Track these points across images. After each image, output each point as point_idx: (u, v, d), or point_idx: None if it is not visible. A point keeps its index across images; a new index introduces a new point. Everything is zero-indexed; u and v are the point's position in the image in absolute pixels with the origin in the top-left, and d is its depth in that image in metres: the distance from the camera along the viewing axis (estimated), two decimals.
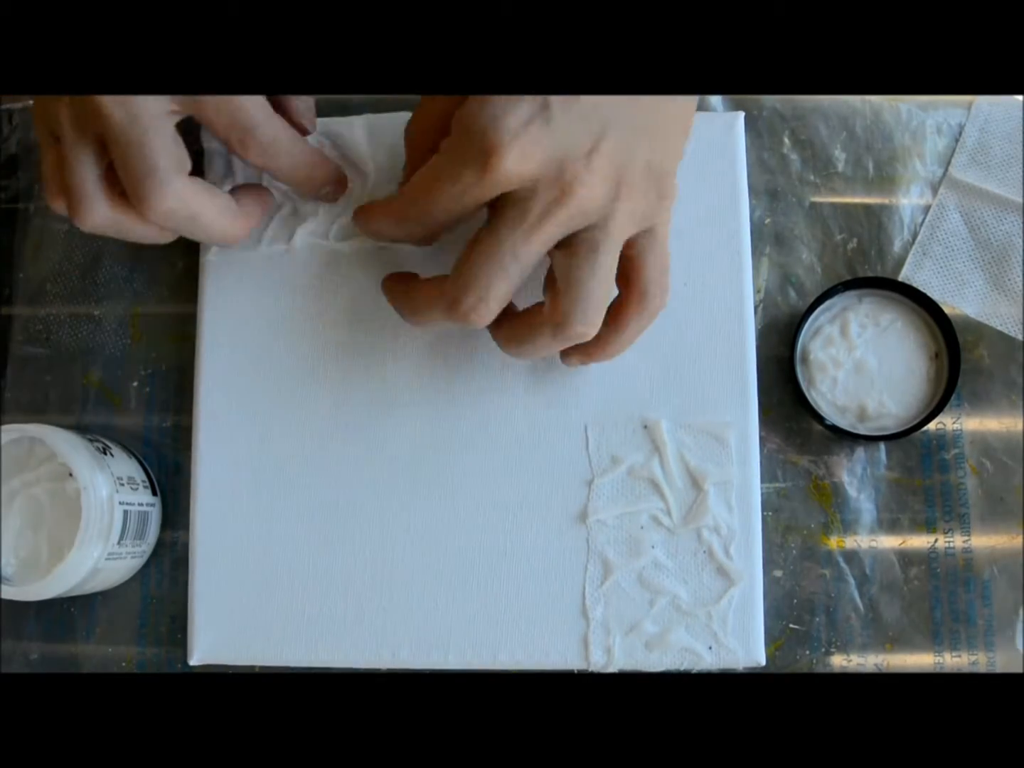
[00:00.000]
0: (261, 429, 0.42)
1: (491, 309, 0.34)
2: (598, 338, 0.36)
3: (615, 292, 0.37)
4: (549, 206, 0.32)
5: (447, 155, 0.33)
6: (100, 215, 0.36)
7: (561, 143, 0.32)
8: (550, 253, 0.35)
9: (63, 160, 0.35)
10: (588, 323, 0.35)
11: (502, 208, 0.33)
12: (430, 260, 0.43)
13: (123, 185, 0.35)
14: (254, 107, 0.36)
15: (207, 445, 0.42)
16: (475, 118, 0.32)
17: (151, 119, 0.34)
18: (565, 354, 0.39)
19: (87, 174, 0.35)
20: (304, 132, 0.40)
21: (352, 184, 0.43)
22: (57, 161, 0.36)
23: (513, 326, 0.37)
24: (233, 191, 0.40)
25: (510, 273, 0.34)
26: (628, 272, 0.36)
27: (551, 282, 0.35)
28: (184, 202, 0.35)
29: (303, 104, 0.41)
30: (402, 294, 0.39)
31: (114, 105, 0.33)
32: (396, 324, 0.42)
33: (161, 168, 0.34)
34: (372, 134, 0.43)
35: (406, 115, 0.38)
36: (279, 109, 0.39)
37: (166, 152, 0.35)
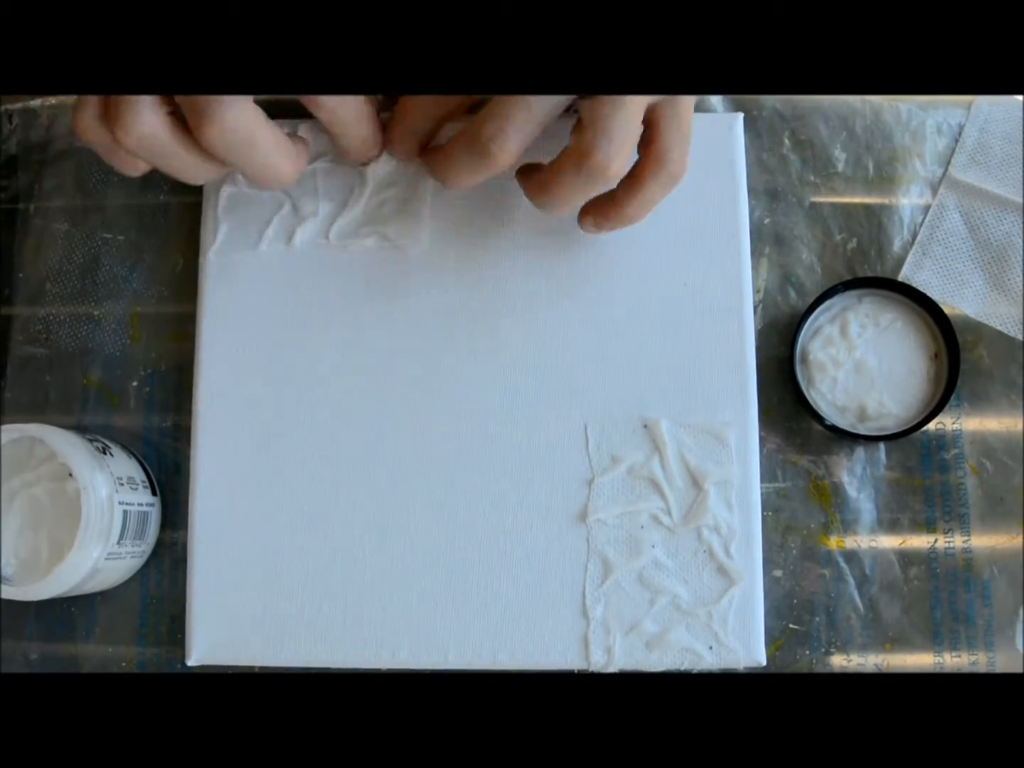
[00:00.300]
0: (260, 429, 0.42)
1: (511, 139, 0.35)
2: (614, 197, 0.37)
3: (639, 131, 0.36)
4: None
5: None
6: (148, 123, 0.33)
7: None
8: (577, 102, 0.35)
9: None
10: (610, 154, 0.34)
11: None
12: (431, 261, 0.43)
13: (182, 103, 0.33)
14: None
15: (206, 445, 0.42)
16: None
17: None
18: (583, 213, 0.39)
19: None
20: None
21: (353, 186, 0.43)
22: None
23: (540, 173, 0.37)
24: None
25: (531, 104, 0.34)
26: (650, 136, 0.37)
27: (577, 126, 0.35)
28: (246, 124, 0.33)
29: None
30: (432, 153, 0.39)
31: None
32: (396, 324, 0.42)
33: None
34: None
35: None
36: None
37: None
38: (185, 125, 0.34)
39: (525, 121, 0.34)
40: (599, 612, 0.40)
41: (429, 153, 0.40)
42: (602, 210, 0.38)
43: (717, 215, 0.43)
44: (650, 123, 0.36)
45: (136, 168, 0.37)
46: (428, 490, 0.41)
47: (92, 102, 0.34)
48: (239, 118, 0.33)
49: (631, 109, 0.35)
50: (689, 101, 0.37)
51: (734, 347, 0.42)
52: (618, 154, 0.35)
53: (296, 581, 0.41)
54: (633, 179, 0.37)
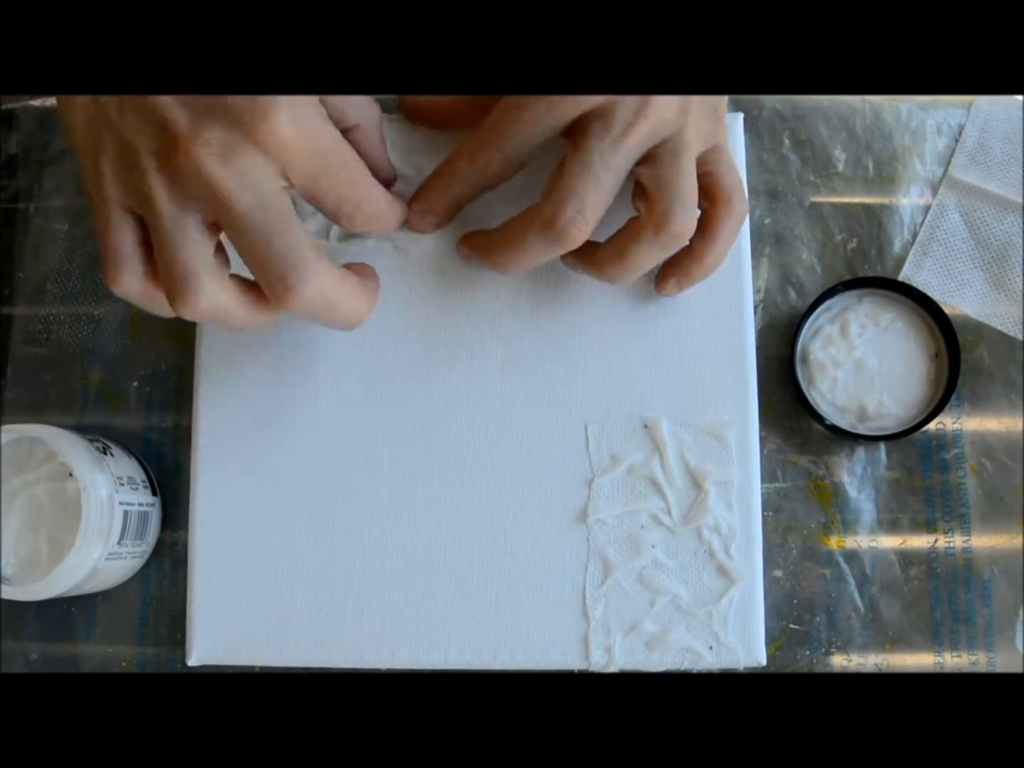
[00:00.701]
0: (261, 429, 0.42)
1: (588, 222, 0.35)
2: (693, 252, 0.38)
3: (697, 186, 0.37)
4: (632, 117, 0.34)
5: None
6: (211, 295, 0.32)
7: None
8: (635, 171, 0.36)
9: (159, 235, 0.31)
10: (686, 219, 0.36)
11: (586, 126, 0.35)
12: (432, 261, 0.43)
13: (255, 274, 0.32)
14: (367, 183, 0.35)
15: (207, 445, 0.42)
16: None
17: (273, 196, 0.31)
18: (663, 277, 0.40)
19: (195, 251, 0.31)
20: (389, 184, 0.40)
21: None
22: (140, 237, 0.32)
23: (612, 243, 0.37)
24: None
25: (602, 183, 0.35)
26: (707, 186, 0.38)
27: (641, 195, 0.37)
28: (325, 292, 0.32)
29: (384, 156, 0.40)
30: (487, 238, 0.39)
31: (232, 180, 0.30)
32: (397, 323, 0.42)
33: (304, 251, 0.31)
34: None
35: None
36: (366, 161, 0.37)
37: (303, 234, 0.32)
38: (251, 287, 0.33)
39: (598, 199, 0.35)
40: (599, 612, 0.40)
41: (479, 237, 0.40)
42: (683, 268, 0.39)
43: None
44: (703, 174, 0.37)
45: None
46: (428, 490, 0.41)
47: (133, 262, 0.32)
48: (320, 288, 0.32)
49: (689, 167, 0.36)
50: (727, 145, 0.38)
51: (735, 347, 0.42)
52: (692, 215, 0.36)
53: (296, 581, 0.41)
54: (706, 230, 0.38)
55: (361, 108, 0.37)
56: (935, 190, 0.45)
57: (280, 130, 0.30)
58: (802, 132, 0.46)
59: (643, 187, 0.36)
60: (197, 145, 0.30)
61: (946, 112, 0.46)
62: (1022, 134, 0.45)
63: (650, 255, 0.37)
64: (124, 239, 0.32)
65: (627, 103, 0.34)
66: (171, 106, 0.30)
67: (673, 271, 0.40)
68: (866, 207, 0.45)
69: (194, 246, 0.31)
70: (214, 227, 0.32)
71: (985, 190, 0.45)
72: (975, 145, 0.45)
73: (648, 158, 0.36)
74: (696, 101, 0.36)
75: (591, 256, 0.38)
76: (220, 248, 0.33)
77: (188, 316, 0.32)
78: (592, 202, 0.35)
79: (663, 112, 0.35)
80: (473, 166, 0.37)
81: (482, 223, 0.41)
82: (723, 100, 0.38)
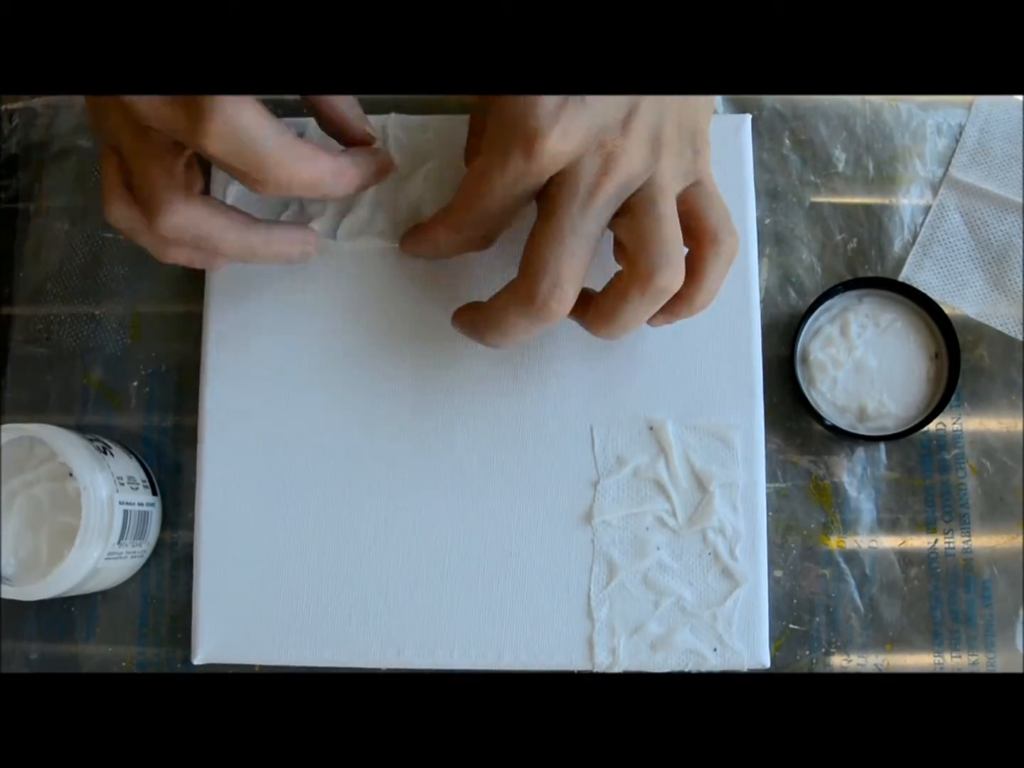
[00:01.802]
0: (267, 428, 0.42)
1: (566, 292, 0.34)
2: (681, 296, 0.36)
3: (680, 230, 0.35)
4: (598, 177, 0.33)
5: (491, 150, 0.34)
6: (181, 215, 0.35)
7: (597, 117, 0.33)
8: (612, 227, 0.35)
9: (128, 164, 0.35)
10: (672, 269, 0.34)
11: (553, 192, 0.34)
12: (439, 261, 0.43)
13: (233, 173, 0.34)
14: (263, 137, 0.33)
15: (212, 444, 0.42)
16: (511, 108, 0.33)
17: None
18: (651, 319, 0.38)
19: (159, 173, 0.35)
20: (366, 141, 0.39)
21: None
22: (122, 169, 0.36)
23: (598, 304, 0.36)
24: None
25: (575, 251, 0.34)
26: (691, 225, 0.36)
27: (622, 251, 0.35)
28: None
29: (348, 107, 0.39)
30: (472, 317, 0.38)
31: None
32: (402, 324, 0.42)
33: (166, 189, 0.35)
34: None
35: (417, 118, 0.40)
36: (323, 119, 0.39)
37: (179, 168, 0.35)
38: (223, 208, 0.36)
39: (573, 269, 0.34)
40: (604, 613, 0.40)
41: (468, 313, 0.38)
42: (672, 310, 0.37)
43: None
44: (685, 213, 0.36)
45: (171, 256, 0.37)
46: (434, 490, 0.41)
47: (118, 192, 0.36)
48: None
49: (669, 214, 0.34)
50: (711, 180, 0.37)
51: (740, 349, 0.42)
52: (679, 265, 0.34)
53: (301, 580, 0.41)
54: (694, 272, 0.36)
55: None
56: (935, 190, 0.45)
57: (216, 119, 0.32)
58: (802, 132, 0.46)
59: (622, 243, 0.35)
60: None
61: (946, 112, 0.46)
62: (1022, 134, 0.45)
63: (639, 312, 0.35)
64: (111, 173, 0.36)
65: (590, 162, 0.33)
66: None
67: (660, 313, 0.37)
68: (866, 207, 0.45)
69: (157, 169, 0.34)
70: (177, 148, 0.35)
71: (985, 190, 0.45)
72: (975, 145, 0.45)
73: (624, 210, 0.34)
74: (669, 138, 0.35)
75: (581, 316, 0.37)
76: (191, 168, 0.36)
77: (168, 234, 0.35)
78: (566, 273, 0.34)
79: (628, 165, 0.33)
80: (457, 236, 0.37)
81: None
82: (702, 134, 0.37)
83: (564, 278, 0.34)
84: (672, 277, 0.34)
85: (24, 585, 0.38)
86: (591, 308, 0.36)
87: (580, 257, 0.34)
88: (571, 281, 0.34)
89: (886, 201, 0.45)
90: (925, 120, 0.46)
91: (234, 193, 0.43)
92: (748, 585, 0.40)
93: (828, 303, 0.43)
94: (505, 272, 0.42)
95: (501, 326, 0.36)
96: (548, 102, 0.33)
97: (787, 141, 0.46)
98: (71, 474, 0.38)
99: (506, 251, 0.43)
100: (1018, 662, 0.41)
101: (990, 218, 0.45)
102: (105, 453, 0.40)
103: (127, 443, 0.43)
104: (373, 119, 0.44)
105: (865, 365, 0.42)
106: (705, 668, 0.40)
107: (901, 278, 0.44)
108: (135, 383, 0.44)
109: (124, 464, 0.41)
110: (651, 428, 0.41)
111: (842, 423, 0.42)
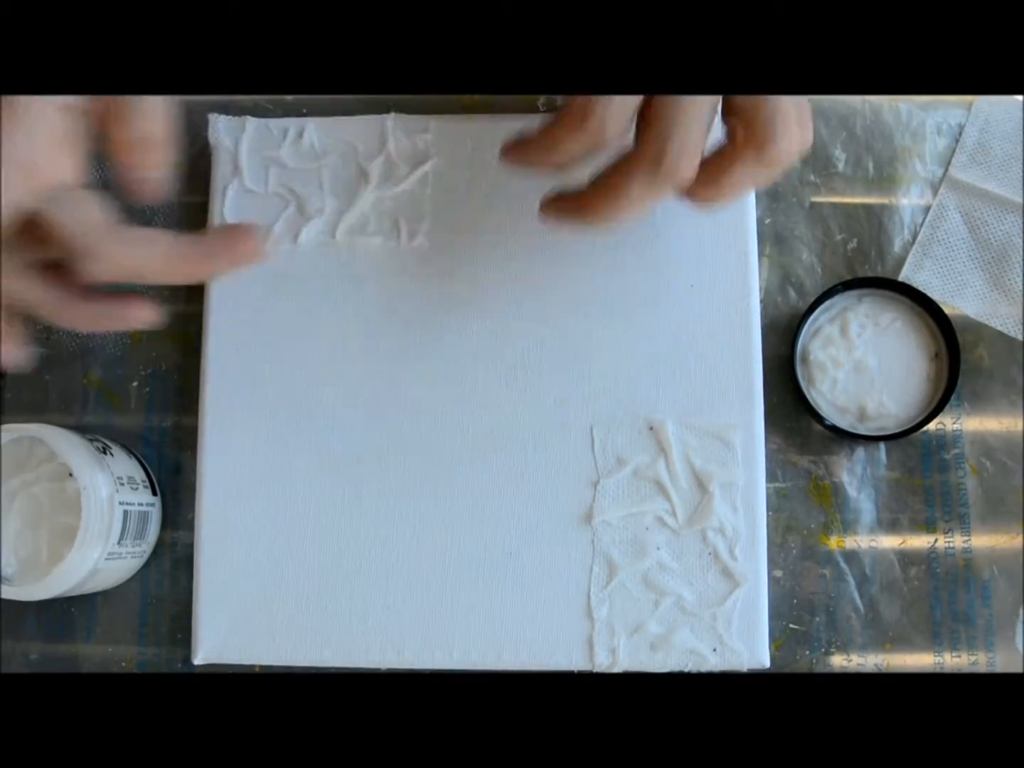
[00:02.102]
0: (267, 429, 0.42)
1: (693, 156, 0.33)
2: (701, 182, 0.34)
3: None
4: None
5: None
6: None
7: None
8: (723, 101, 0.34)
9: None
10: (790, 138, 0.34)
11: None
12: (438, 260, 0.43)
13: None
14: (94, 221, 0.32)
15: (213, 444, 0.42)
16: None
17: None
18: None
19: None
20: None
21: (359, 184, 0.43)
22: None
23: (706, 168, 0.34)
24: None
25: (698, 113, 0.33)
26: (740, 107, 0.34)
27: (734, 113, 0.34)
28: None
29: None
30: (577, 195, 0.36)
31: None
32: (403, 323, 0.42)
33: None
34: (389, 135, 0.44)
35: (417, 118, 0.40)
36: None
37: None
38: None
39: (699, 130, 0.33)
40: (604, 613, 0.40)
41: (566, 197, 0.36)
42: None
43: (724, 217, 0.42)
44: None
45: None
46: (434, 490, 0.41)
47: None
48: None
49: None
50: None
51: (740, 349, 0.42)
52: (796, 130, 0.34)
53: (301, 580, 0.41)
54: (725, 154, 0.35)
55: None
56: (935, 190, 0.45)
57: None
58: None
59: (735, 106, 0.34)
60: None
61: (946, 112, 0.46)
62: (1022, 134, 0.45)
63: (749, 177, 0.34)
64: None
65: None
66: None
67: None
68: (866, 207, 0.45)
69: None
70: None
71: (985, 190, 0.45)
72: (975, 145, 0.45)
73: None
74: None
75: (694, 186, 0.35)
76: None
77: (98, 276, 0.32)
78: (695, 134, 0.33)
79: None
80: (570, 142, 0.34)
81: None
82: None
83: (692, 140, 0.33)
84: (790, 143, 0.34)
85: (24, 585, 0.38)
86: (700, 172, 0.34)
87: (702, 120, 0.33)
88: (697, 145, 0.33)
89: (886, 201, 0.45)
90: (925, 120, 0.46)
91: (234, 193, 0.43)
92: (748, 585, 0.40)
93: (828, 303, 0.43)
94: (505, 272, 0.43)
95: (618, 195, 0.34)
96: None
97: None
98: (71, 474, 0.38)
99: (507, 251, 0.43)
100: (1018, 662, 0.41)
101: (990, 218, 0.45)
102: (105, 453, 0.40)
103: (127, 443, 0.43)
104: (373, 119, 0.44)
105: (865, 365, 0.42)
106: (705, 668, 0.40)
107: (901, 278, 0.44)
108: (135, 383, 0.44)
109: (124, 464, 0.41)
110: (651, 428, 0.41)
111: (842, 423, 0.42)
